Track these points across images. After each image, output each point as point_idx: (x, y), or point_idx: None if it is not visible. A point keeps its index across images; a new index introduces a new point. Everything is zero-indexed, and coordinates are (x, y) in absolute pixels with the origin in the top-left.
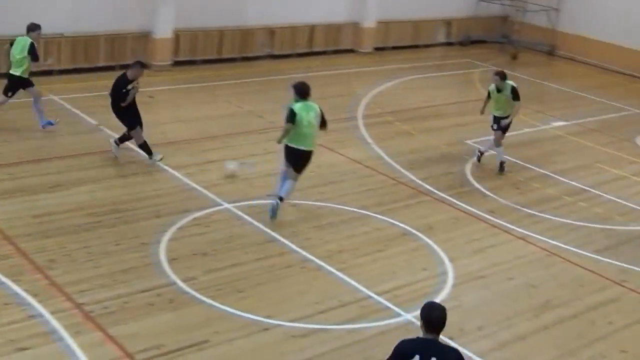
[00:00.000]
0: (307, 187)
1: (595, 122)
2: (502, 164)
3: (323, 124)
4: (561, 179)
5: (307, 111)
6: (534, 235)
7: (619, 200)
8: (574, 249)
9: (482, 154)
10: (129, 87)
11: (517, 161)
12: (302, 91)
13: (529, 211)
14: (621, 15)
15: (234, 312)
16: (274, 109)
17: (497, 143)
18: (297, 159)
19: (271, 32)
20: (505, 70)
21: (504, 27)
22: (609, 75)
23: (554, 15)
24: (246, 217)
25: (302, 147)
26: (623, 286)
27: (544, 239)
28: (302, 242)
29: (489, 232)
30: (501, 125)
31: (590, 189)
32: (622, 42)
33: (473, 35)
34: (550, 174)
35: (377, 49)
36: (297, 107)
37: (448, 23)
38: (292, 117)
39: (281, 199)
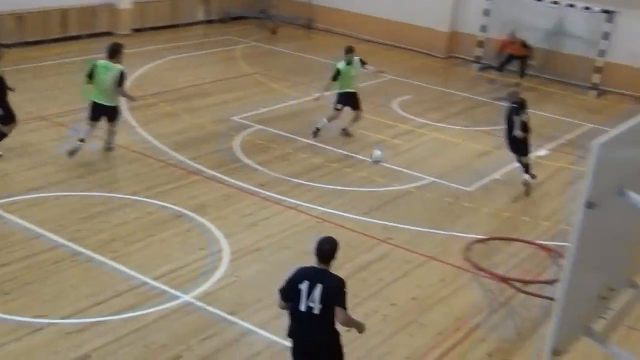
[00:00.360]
0: (73, 178)
1: None
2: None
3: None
4: (326, 147)
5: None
6: (305, 204)
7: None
8: (342, 214)
9: (318, 129)
10: None
11: (283, 133)
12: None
13: (298, 181)
14: None
15: (1, 317)
16: (32, 98)
17: (332, 118)
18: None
19: (19, 18)
20: (266, 45)
21: (263, 3)
22: (364, 44)
23: None
24: (7, 215)
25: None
26: (389, 243)
27: (314, 206)
28: (70, 235)
29: (260, 206)
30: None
31: (354, 155)
32: (370, 12)
33: (232, 12)
34: (316, 144)
35: (135, 30)
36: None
37: (207, 0)
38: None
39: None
